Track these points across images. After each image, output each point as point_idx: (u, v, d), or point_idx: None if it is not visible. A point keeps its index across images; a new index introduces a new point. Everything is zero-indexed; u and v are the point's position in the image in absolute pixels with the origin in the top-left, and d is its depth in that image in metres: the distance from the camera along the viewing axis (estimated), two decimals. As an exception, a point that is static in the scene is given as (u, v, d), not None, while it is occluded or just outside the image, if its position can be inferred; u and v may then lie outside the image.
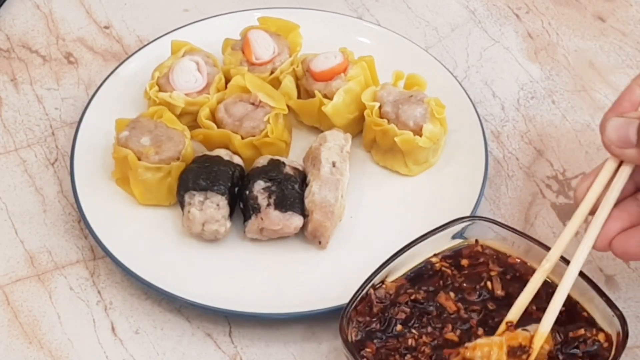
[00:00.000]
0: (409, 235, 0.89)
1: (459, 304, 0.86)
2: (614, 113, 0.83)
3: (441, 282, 0.87)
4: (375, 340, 0.84)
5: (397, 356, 0.83)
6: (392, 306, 0.85)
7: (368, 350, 0.83)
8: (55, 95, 1.12)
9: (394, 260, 0.87)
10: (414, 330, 0.84)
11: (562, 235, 0.84)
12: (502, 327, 0.83)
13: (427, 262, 0.88)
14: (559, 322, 0.84)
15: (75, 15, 1.20)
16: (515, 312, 0.83)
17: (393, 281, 0.87)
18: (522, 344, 0.81)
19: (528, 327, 0.82)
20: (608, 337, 0.83)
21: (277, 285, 0.95)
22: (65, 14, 1.20)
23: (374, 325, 0.84)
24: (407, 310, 0.85)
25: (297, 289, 0.94)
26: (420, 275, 0.88)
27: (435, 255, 0.89)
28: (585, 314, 0.85)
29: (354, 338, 0.83)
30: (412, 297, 0.86)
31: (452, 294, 0.86)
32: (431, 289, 0.87)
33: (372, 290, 0.86)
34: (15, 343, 0.92)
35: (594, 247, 0.83)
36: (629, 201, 0.84)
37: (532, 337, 0.81)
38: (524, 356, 0.80)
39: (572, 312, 0.85)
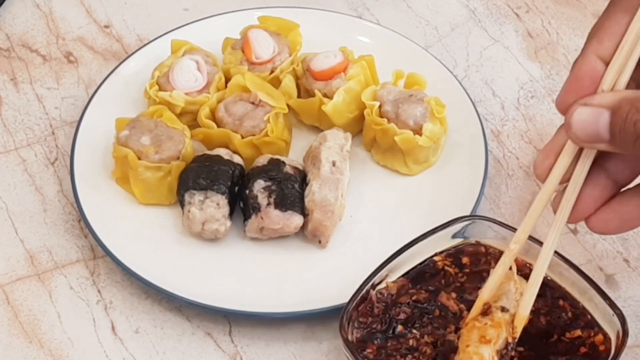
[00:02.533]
0: (409, 234, 0.89)
1: (461, 305, 0.86)
2: (574, 94, 0.71)
3: (443, 281, 0.87)
4: (375, 341, 0.84)
5: (398, 357, 0.83)
6: (393, 307, 0.85)
7: (369, 350, 0.83)
8: (55, 94, 1.12)
9: (394, 259, 0.87)
10: (414, 331, 0.84)
11: (527, 215, 0.78)
12: (479, 307, 0.80)
13: (430, 261, 0.88)
14: (560, 322, 0.84)
15: (75, 15, 1.20)
16: (488, 293, 0.80)
17: (394, 281, 0.87)
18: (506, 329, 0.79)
19: (507, 305, 0.81)
20: (606, 339, 0.83)
21: (277, 284, 0.95)
22: (65, 13, 1.20)
23: (375, 325, 0.84)
24: (408, 310, 0.85)
25: (297, 288, 0.94)
26: (422, 275, 0.88)
27: (437, 254, 0.89)
28: (587, 314, 0.85)
29: (354, 338, 0.83)
30: (414, 298, 0.86)
31: (453, 294, 0.86)
32: (432, 288, 0.87)
33: (372, 291, 0.85)
34: (15, 342, 0.92)
35: (567, 222, 0.77)
36: (596, 174, 0.74)
37: (512, 318, 0.79)
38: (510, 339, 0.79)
39: (574, 312, 0.85)
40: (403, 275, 0.87)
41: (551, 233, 0.77)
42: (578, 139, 0.71)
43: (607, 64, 0.70)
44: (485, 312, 0.80)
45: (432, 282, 0.87)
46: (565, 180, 0.75)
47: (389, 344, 0.83)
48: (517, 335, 0.79)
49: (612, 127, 0.69)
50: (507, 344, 0.79)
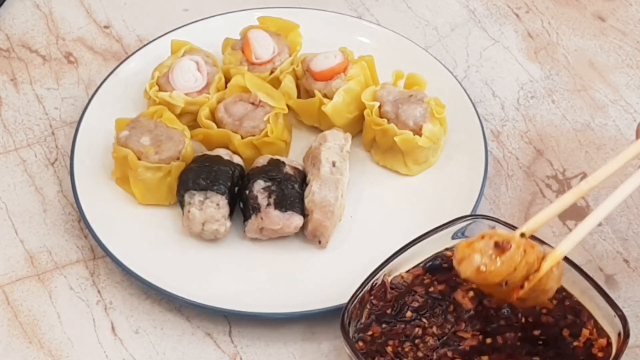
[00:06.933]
0: (409, 234, 0.89)
1: (476, 304, 0.85)
2: None
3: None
4: (384, 325, 0.84)
5: (396, 341, 0.83)
6: (408, 294, 0.85)
7: (369, 333, 0.83)
8: (55, 94, 1.12)
9: (395, 257, 0.87)
10: (424, 320, 0.84)
11: (609, 163, 0.78)
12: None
13: (442, 255, 0.88)
14: (561, 322, 0.84)
15: (75, 15, 1.20)
16: (532, 226, 0.78)
17: (408, 271, 0.87)
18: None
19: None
20: (608, 343, 0.83)
21: (277, 284, 0.95)
22: (65, 13, 1.20)
23: (386, 310, 0.85)
24: (422, 299, 0.85)
25: (297, 288, 0.94)
26: (438, 266, 0.87)
27: (447, 249, 0.89)
28: (587, 312, 0.85)
29: (363, 320, 0.84)
30: (430, 289, 0.86)
31: (470, 293, 0.86)
32: (450, 283, 0.86)
33: (386, 278, 0.85)
34: (15, 343, 0.92)
35: None
36: None
37: (544, 256, 0.77)
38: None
39: (575, 310, 0.85)
40: (418, 265, 0.87)
41: (625, 184, 0.76)
42: None
43: None
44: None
45: (447, 277, 0.87)
46: None
47: (394, 327, 0.84)
48: (541, 272, 0.75)
49: None
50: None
